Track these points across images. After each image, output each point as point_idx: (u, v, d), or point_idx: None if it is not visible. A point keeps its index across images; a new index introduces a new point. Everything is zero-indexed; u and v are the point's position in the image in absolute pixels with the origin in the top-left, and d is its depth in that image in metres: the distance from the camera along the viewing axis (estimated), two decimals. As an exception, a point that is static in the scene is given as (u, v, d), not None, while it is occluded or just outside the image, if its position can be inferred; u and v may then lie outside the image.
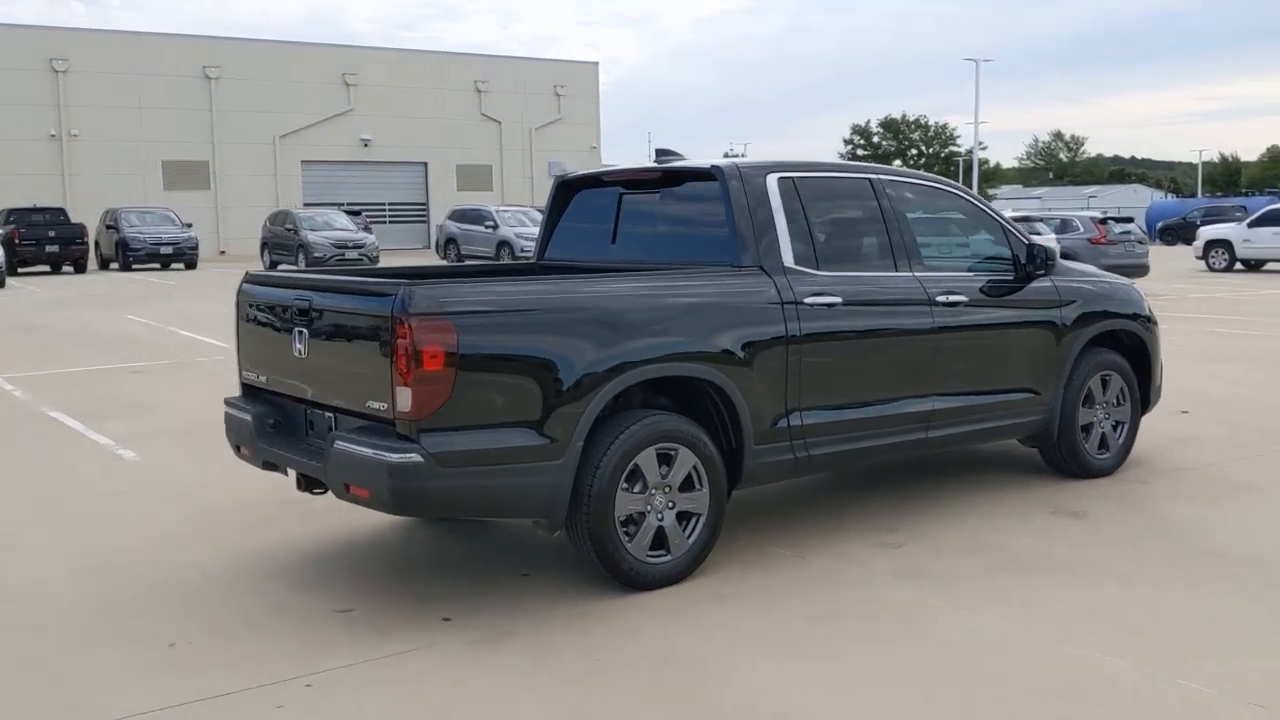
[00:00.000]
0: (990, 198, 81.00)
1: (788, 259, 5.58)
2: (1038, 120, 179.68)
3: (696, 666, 4.32)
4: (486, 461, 4.67)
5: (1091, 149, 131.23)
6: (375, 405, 4.71)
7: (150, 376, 12.31)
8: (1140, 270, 23.88)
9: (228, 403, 5.82)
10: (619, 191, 6.37)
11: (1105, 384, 6.94)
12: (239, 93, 44.19)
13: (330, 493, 5.26)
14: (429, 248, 46.88)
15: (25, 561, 5.79)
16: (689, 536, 5.21)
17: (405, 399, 4.55)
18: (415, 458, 4.53)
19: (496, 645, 4.57)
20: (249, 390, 5.77)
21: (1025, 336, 6.54)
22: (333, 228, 30.33)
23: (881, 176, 6.24)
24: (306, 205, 38.68)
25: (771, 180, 5.68)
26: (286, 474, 5.55)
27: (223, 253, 42.18)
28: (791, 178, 5.77)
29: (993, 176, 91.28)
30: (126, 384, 11.77)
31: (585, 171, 6.76)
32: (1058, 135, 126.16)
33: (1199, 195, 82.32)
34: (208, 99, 43.81)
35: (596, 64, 53.02)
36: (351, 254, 29.14)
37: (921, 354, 6.02)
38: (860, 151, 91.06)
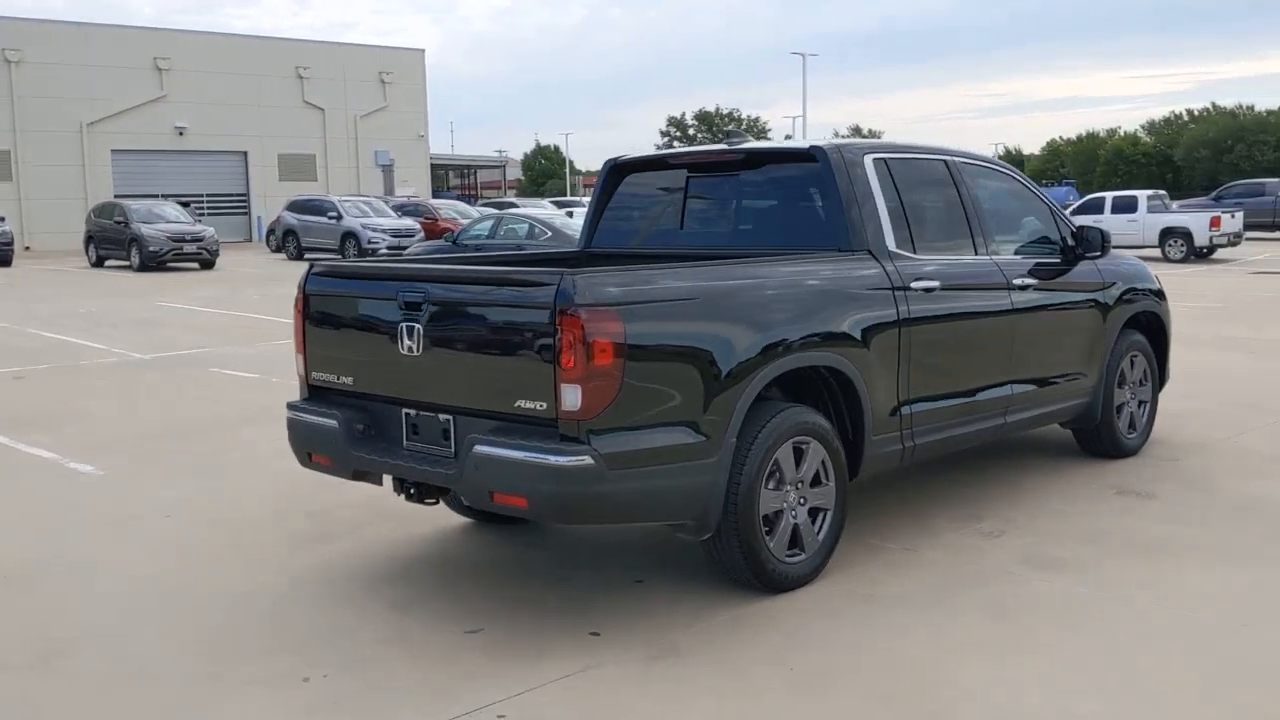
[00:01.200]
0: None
1: (890, 242, 5.44)
2: (835, 115, 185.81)
3: (907, 670, 4.11)
4: (650, 462, 4.34)
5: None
6: (528, 405, 4.32)
7: (39, 383, 11.23)
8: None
9: (293, 407, 5.28)
10: (685, 175, 6.09)
11: (1133, 363, 7.07)
12: (42, 77, 41.12)
13: (421, 501, 4.90)
14: (251, 240, 44.91)
15: (76, 599, 5.09)
16: (819, 533, 5.01)
17: (573, 397, 4.18)
18: (586, 460, 4.18)
19: (675, 659, 4.25)
20: (317, 393, 5.25)
21: (1080, 319, 6.59)
22: (166, 220, 28.48)
23: (954, 158, 6.16)
24: (119, 197, 36.20)
25: (869, 161, 5.52)
26: (380, 483, 5.08)
27: (28, 248, 39.21)
28: (884, 158, 5.63)
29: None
30: (19, 392, 10.69)
31: (642, 154, 6.42)
32: (856, 129, 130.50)
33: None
34: (8, 84, 40.55)
35: (423, 51, 51.68)
36: (190, 247, 27.46)
37: (1003, 338, 5.98)
38: (676, 143, 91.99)
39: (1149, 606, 4.69)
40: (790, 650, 4.31)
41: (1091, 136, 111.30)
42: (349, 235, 30.49)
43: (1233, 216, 30.40)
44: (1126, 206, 30.85)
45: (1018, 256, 6.28)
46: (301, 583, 5.21)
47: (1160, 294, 7.34)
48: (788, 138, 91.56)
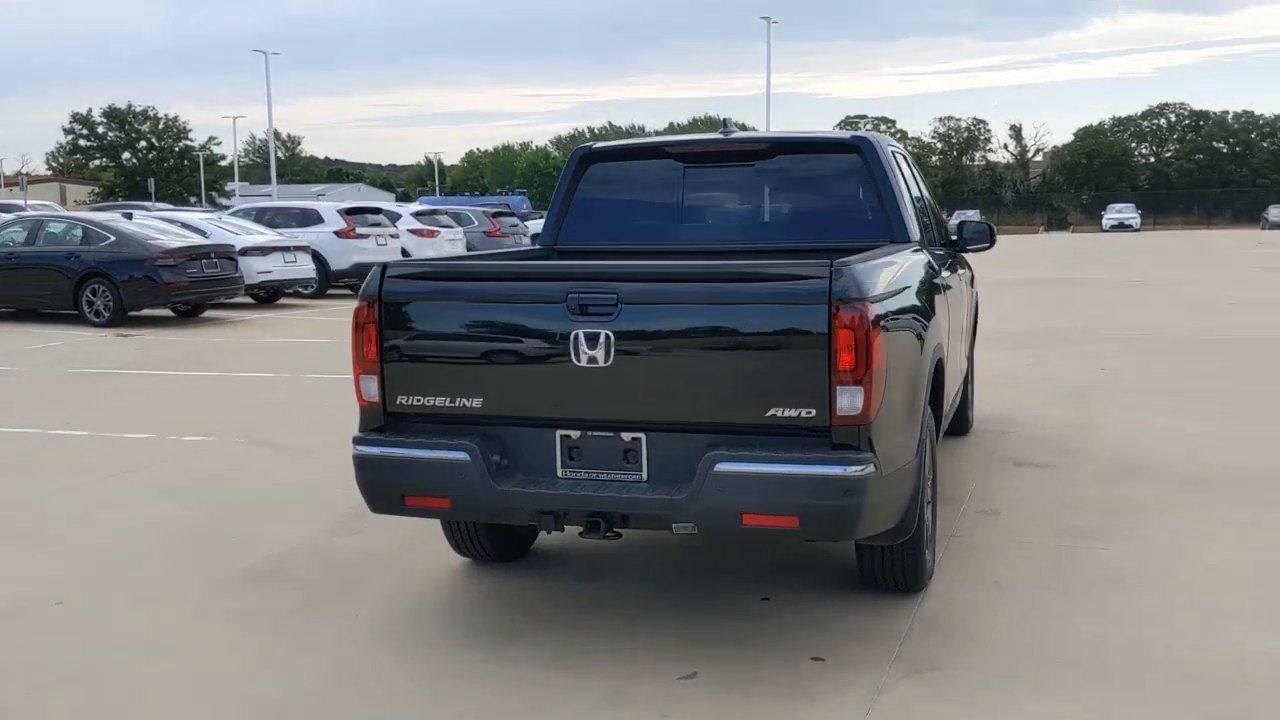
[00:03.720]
0: (228, 194, 79.28)
1: (917, 233, 5.51)
2: (255, 117, 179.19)
3: (1138, 647, 4.19)
4: (895, 465, 4.07)
5: (306, 149, 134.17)
6: (788, 413, 3.84)
7: None
8: (525, 261, 25.51)
9: (372, 443, 4.24)
10: (680, 166, 5.68)
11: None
12: None
13: (597, 532, 4.17)
14: None
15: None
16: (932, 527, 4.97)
17: (854, 400, 3.80)
18: (870, 469, 3.82)
19: (939, 672, 4.00)
20: (396, 421, 4.27)
21: (970, 306, 7.07)
22: None
23: (901, 150, 6.32)
24: None
25: (890, 152, 5.55)
26: (523, 522, 4.24)
27: None
28: (892, 150, 5.68)
29: (228, 173, 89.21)
30: None
31: (621, 142, 5.84)
32: (275, 134, 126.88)
33: (416, 194, 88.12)
34: None
35: None
36: None
37: (962, 326, 6.28)
38: (83, 142, 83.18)
39: (1230, 552, 5.21)
40: (1023, 645, 4.23)
41: (508, 149, 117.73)
42: None
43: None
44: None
45: (943, 248, 6.59)
46: (386, 658, 4.22)
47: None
48: (212, 139, 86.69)
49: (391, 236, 21.05)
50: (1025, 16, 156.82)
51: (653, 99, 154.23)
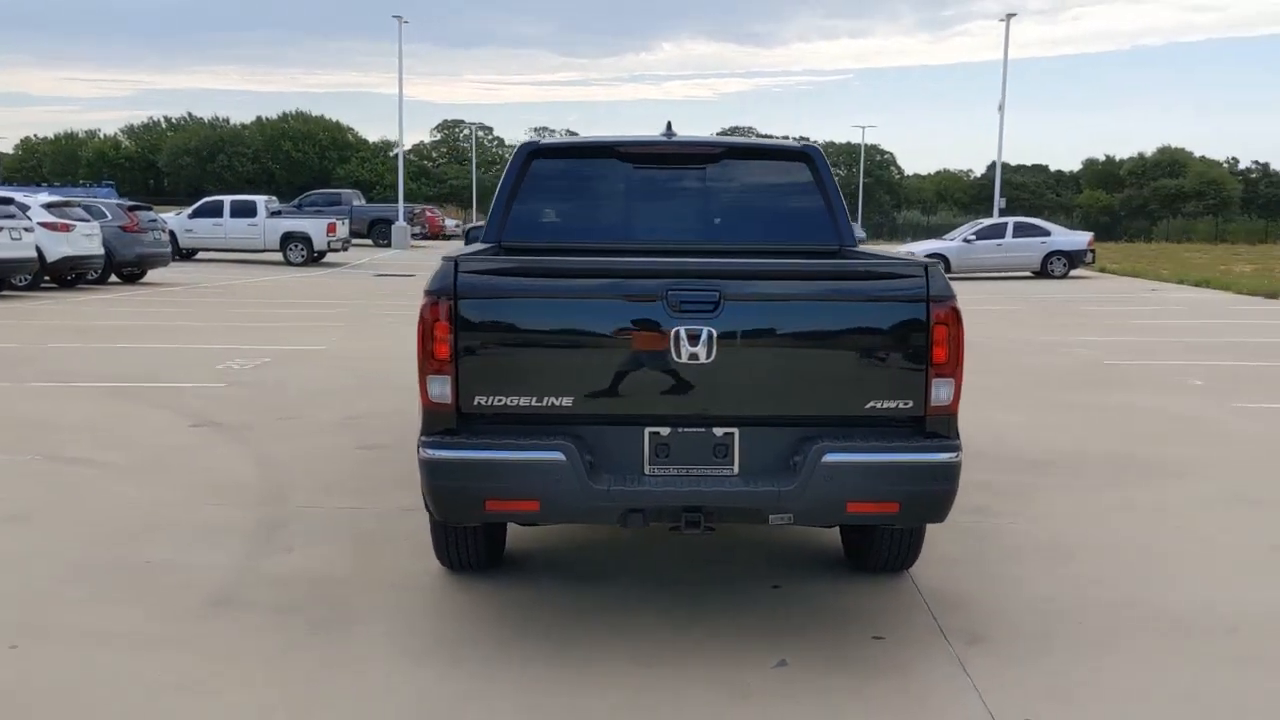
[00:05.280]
0: None
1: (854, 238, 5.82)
2: None
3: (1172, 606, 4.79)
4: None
5: None
6: (886, 405, 4.01)
7: None
8: (164, 259, 23.73)
9: (443, 445, 3.94)
10: (629, 166, 5.65)
11: None
12: None
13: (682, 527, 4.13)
14: None
15: None
16: None
17: (947, 392, 4.05)
18: (959, 456, 4.09)
19: (997, 642, 4.31)
20: (470, 422, 4.01)
21: None
22: None
23: None
24: None
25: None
26: (616, 522, 4.07)
27: None
28: (817, 157, 5.97)
29: None
30: None
31: (571, 140, 5.65)
32: None
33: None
34: None
35: None
36: None
37: None
38: None
39: (1123, 525, 5.91)
40: (1038, 610, 4.63)
41: (71, 137, 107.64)
42: None
43: (344, 223, 32.84)
44: (246, 210, 31.43)
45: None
46: (460, 679, 3.96)
47: None
48: None
49: (26, 230, 18.78)
50: (598, 35, 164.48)
51: (227, 90, 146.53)
